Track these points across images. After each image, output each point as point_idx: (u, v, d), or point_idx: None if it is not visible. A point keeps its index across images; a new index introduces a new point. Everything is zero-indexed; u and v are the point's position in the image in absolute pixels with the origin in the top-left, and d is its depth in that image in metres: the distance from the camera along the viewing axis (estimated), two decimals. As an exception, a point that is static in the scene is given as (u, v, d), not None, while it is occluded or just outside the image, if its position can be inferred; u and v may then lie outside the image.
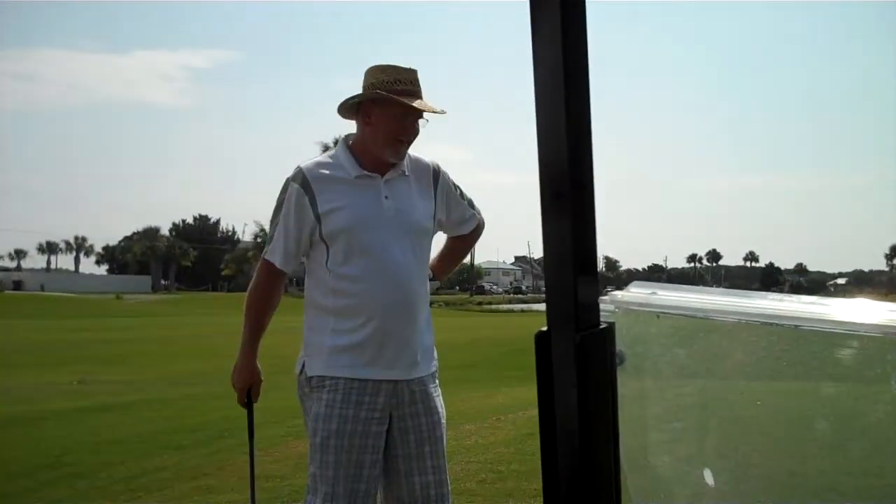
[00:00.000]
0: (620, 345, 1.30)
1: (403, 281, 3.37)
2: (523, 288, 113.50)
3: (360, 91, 3.45)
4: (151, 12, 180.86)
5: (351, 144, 3.51)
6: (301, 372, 3.48)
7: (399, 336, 3.35)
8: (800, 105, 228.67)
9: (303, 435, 7.96)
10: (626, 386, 1.37)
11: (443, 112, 3.47)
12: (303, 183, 3.37)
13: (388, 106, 3.39)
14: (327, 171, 3.43)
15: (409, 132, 3.45)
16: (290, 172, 3.41)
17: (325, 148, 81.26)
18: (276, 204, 3.43)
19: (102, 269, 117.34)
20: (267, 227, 3.68)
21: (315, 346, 3.44)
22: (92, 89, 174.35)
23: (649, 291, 1.41)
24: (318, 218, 3.35)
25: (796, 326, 1.36)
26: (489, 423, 8.13)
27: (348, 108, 3.49)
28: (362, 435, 3.28)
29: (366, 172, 3.42)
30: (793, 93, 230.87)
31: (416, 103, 3.38)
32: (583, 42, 1.17)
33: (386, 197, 3.40)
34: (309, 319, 3.52)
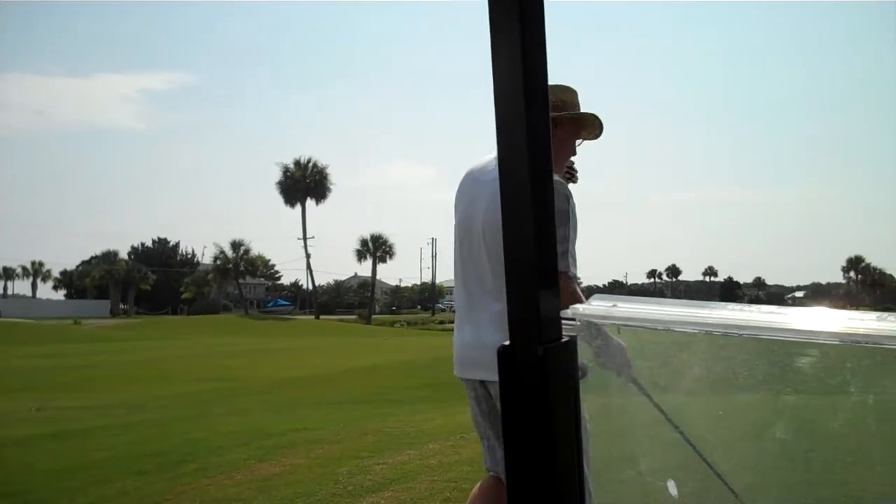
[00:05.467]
0: (583, 358, 1.31)
1: None
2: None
3: None
4: (110, 34, 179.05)
5: None
6: None
7: None
8: (757, 121, 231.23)
9: (267, 458, 7.95)
10: (590, 399, 1.37)
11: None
12: None
13: (575, 130, 3.49)
14: None
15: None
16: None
17: (286, 169, 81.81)
18: (565, 215, 3.32)
19: (60, 295, 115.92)
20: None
21: None
22: (52, 113, 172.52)
23: (610, 304, 1.41)
24: None
25: (756, 336, 1.36)
26: (453, 442, 8.12)
27: None
28: None
29: None
30: (750, 109, 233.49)
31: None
32: (542, 59, 1.18)
33: None
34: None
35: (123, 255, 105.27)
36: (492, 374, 3.48)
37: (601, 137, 3.67)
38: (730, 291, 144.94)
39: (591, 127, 3.63)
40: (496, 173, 3.22)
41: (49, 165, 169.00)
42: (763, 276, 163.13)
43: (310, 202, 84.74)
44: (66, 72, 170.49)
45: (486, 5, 1.15)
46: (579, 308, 1.38)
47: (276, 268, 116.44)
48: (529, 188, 1.15)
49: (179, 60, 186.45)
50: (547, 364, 1.16)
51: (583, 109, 3.55)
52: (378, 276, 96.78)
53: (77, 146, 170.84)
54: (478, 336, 3.57)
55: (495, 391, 3.49)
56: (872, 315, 1.27)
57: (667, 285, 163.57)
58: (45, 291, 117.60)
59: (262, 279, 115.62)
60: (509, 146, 1.17)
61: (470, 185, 3.63)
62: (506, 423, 1.21)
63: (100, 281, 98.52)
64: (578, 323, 1.35)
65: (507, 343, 1.19)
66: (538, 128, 1.17)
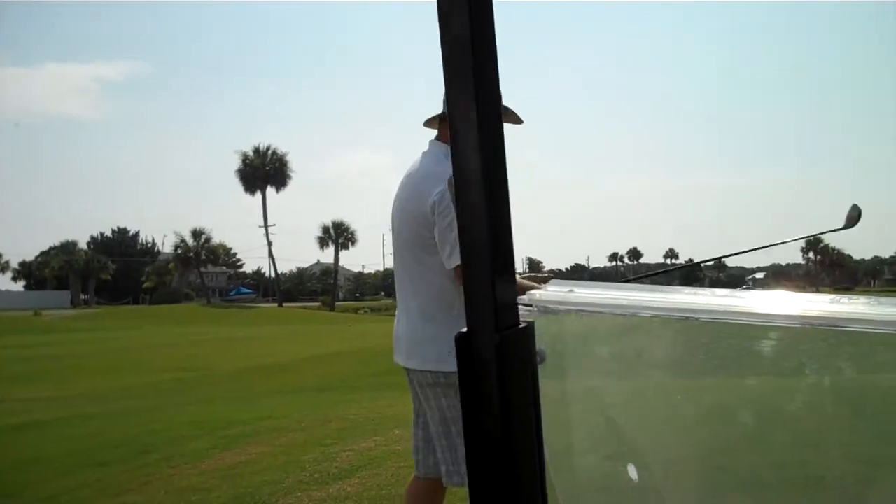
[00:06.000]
0: (541, 343, 1.31)
1: None
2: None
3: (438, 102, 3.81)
4: (60, 24, 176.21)
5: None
6: (440, 366, 3.62)
7: None
8: (713, 103, 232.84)
9: (231, 447, 7.92)
10: (548, 385, 1.37)
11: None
12: None
13: None
14: None
15: None
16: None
17: (245, 157, 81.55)
18: (449, 212, 3.54)
19: (19, 286, 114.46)
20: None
21: (449, 342, 3.68)
22: (1, 103, 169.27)
23: (567, 290, 1.41)
24: None
25: (714, 320, 1.37)
26: (417, 428, 8.11)
27: (435, 118, 3.88)
28: None
29: None
30: (704, 92, 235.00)
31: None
32: (492, 42, 1.17)
33: None
34: (439, 315, 3.68)
35: (83, 245, 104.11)
36: (408, 362, 3.81)
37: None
38: (690, 273, 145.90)
39: (510, 112, 3.85)
40: (417, 169, 3.42)
41: (3, 156, 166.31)
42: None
43: (270, 190, 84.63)
44: (12, 61, 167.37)
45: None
46: (536, 294, 1.38)
47: (237, 256, 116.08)
48: (481, 177, 1.14)
49: (135, 50, 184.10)
50: (504, 351, 1.16)
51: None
52: (341, 263, 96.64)
53: (32, 136, 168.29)
54: (399, 327, 3.96)
55: (414, 377, 3.83)
56: (826, 298, 1.28)
57: (628, 268, 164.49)
58: (4, 282, 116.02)
59: (224, 267, 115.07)
60: (463, 137, 1.16)
61: (400, 186, 3.92)
62: (465, 411, 1.21)
63: (59, 271, 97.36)
64: (536, 309, 1.35)
65: (465, 330, 1.19)
66: (491, 121, 1.16)
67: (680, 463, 1.82)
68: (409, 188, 3.79)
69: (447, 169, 3.69)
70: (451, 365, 3.64)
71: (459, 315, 3.69)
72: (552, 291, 1.40)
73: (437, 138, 3.90)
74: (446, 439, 3.80)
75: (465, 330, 1.19)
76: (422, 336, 3.76)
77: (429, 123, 3.97)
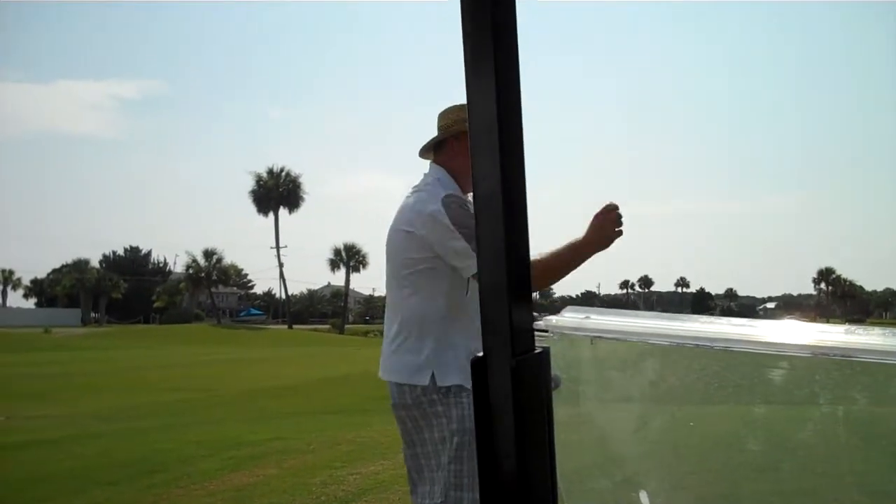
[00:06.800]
0: (556, 369, 1.31)
1: None
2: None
3: (429, 128, 3.91)
4: (75, 41, 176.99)
5: (453, 176, 3.81)
6: (431, 381, 3.63)
7: None
8: (724, 130, 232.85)
9: (239, 468, 7.91)
10: (562, 410, 1.38)
11: None
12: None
13: None
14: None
15: None
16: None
17: (259, 178, 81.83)
18: (462, 219, 3.54)
19: (31, 303, 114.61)
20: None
21: (420, 359, 3.66)
22: (16, 119, 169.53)
23: (583, 316, 1.42)
24: None
25: (727, 348, 1.37)
26: (426, 452, 8.09)
27: (430, 147, 3.90)
28: None
29: None
30: (715, 119, 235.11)
31: None
32: (515, 73, 1.19)
33: None
34: (413, 334, 3.68)
35: (94, 263, 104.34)
36: (383, 374, 3.85)
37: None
38: (701, 302, 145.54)
39: None
40: (412, 193, 3.45)
41: (17, 173, 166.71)
42: (735, 288, 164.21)
43: (283, 211, 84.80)
44: (25, 77, 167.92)
45: (459, 25, 1.16)
46: (553, 320, 1.39)
47: (248, 277, 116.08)
48: (501, 204, 1.15)
49: (150, 68, 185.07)
50: (519, 375, 1.17)
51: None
52: (351, 286, 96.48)
53: (45, 152, 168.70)
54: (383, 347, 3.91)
55: (395, 395, 3.84)
56: (841, 328, 1.29)
57: (639, 296, 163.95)
58: (16, 299, 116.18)
59: (235, 288, 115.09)
60: (482, 165, 1.17)
61: (396, 212, 3.88)
62: (479, 435, 1.21)
63: (70, 289, 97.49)
64: (552, 335, 1.36)
65: (481, 355, 1.19)
66: (511, 148, 1.17)
67: (692, 490, 1.82)
68: (402, 212, 3.79)
69: (442, 190, 3.65)
70: (419, 378, 3.54)
71: (437, 338, 3.61)
72: (569, 317, 1.41)
73: (435, 161, 3.92)
74: (412, 460, 3.87)
75: (481, 354, 1.20)
76: (395, 351, 3.79)
77: (424, 154, 3.99)
